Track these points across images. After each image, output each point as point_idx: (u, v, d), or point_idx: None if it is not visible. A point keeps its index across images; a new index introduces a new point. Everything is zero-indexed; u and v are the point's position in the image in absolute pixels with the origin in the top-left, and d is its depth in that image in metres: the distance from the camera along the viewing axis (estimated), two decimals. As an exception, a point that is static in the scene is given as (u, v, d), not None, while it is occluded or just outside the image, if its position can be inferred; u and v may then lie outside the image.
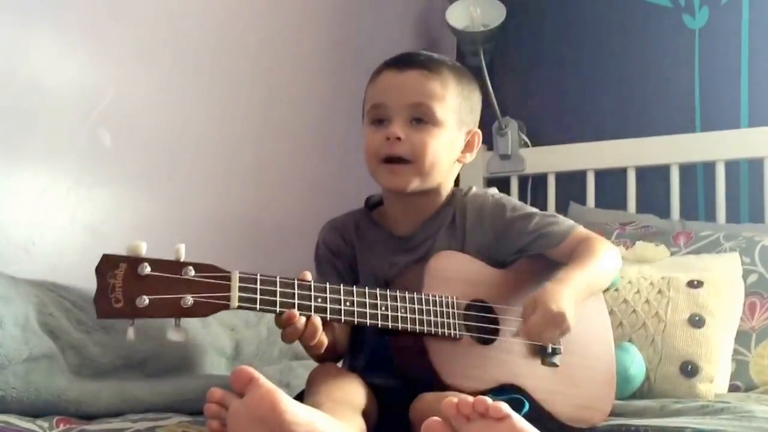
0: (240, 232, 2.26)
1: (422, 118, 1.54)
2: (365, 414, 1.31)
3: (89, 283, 1.55)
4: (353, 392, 1.34)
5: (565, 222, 1.61)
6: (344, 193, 2.50)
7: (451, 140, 1.59)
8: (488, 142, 2.96)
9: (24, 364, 1.38)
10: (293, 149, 2.54)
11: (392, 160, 1.53)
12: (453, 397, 1.09)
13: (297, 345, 1.97)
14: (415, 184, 1.55)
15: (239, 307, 1.20)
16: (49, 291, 1.55)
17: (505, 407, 1.05)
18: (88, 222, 1.83)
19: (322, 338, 1.33)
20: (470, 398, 1.06)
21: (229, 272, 1.20)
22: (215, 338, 1.81)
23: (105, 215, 1.87)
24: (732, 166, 2.79)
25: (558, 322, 1.37)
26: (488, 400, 1.05)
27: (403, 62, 1.58)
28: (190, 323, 1.73)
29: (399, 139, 1.52)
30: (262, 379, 1.08)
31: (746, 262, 2.31)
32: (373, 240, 1.63)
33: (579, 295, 1.44)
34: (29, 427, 1.27)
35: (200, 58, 2.18)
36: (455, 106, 1.58)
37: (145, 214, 1.97)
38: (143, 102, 1.99)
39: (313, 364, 1.53)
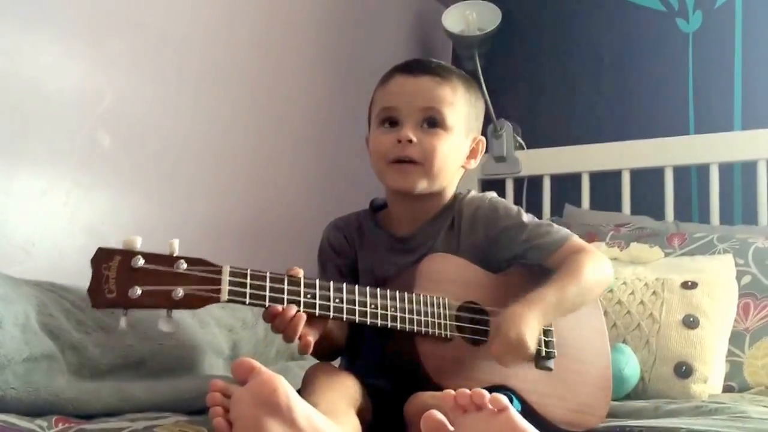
0: (237, 234, 2.27)
1: (433, 123, 1.56)
2: (360, 413, 1.32)
3: (89, 284, 1.57)
4: (348, 392, 1.35)
5: (559, 231, 1.61)
6: (342, 195, 2.52)
7: (459, 146, 1.61)
8: (483, 145, 2.98)
9: (23, 364, 1.38)
10: (290, 152, 2.55)
11: (401, 161, 1.55)
12: (450, 390, 1.10)
13: (294, 345, 2.01)
14: (422, 186, 1.57)
15: (229, 301, 1.22)
16: (48, 291, 1.56)
17: (504, 399, 1.06)
18: (87, 223, 1.84)
19: (307, 340, 1.32)
20: (467, 390, 1.07)
21: (220, 266, 1.22)
22: (213, 339, 1.82)
23: (104, 217, 1.88)
24: (725, 168, 2.82)
25: (516, 349, 1.38)
26: (486, 392, 1.06)
27: (415, 67, 1.60)
28: (189, 324, 1.75)
29: (411, 141, 1.54)
30: (264, 368, 1.10)
31: (740, 264, 2.33)
32: (374, 240, 1.65)
33: (548, 315, 1.45)
34: (28, 426, 1.27)
35: (198, 62, 2.19)
36: (464, 113, 1.60)
37: (143, 216, 1.98)
38: (142, 105, 2.00)
39: (308, 364, 1.53)
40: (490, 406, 1.05)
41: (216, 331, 1.85)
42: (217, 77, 2.25)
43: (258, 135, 2.41)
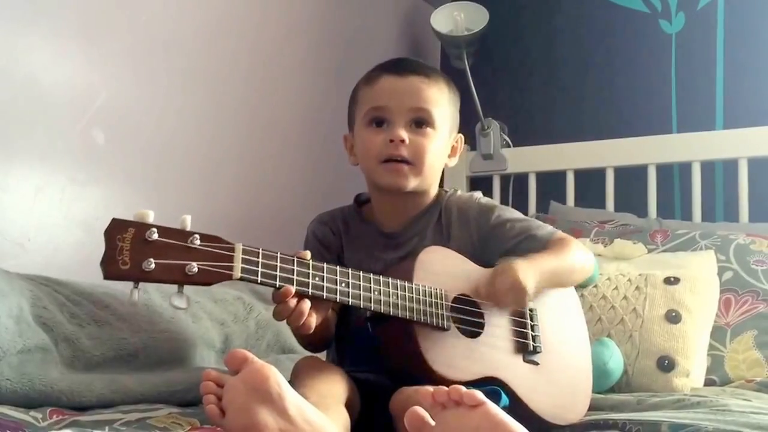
0: (231, 229, 2.22)
1: (421, 122, 1.59)
2: (348, 406, 1.33)
3: (83, 278, 1.59)
4: (337, 385, 1.36)
5: (546, 226, 1.66)
6: (330, 191, 2.53)
7: (444, 144, 1.65)
8: (471, 143, 3.00)
9: (18, 355, 1.38)
10: (281, 148, 2.57)
11: (394, 160, 1.57)
12: (429, 387, 1.11)
13: (286, 339, 2.02)
14: (413, 184, 1.60)
15: (241, 278, 1.20)
16: (43, 285, 1.56)
17: (479, 395, 1.06)
18: (81, 219, 1.85)
19: (310, 322, 1.33)
20: (445, 387, 1.08)
21: (233, 244, 1.21)
22: (205, 332, 1.82)
23: (98, 212, 1.88)
24: (707, 166, 2.84)
25: (519, 292, 1.43)
26: (462, 388, 1.07)
27: (402, 67, 1.62)
28: (182, 318, 1.76)
29: (403, 141, 1.56)
30: (256, 358, 1.12)
31: (721, 260, 2.35)
32: (361, 235, 1.66)
33: (543, 278, 1.50)
34: (23, 417, 1.27)
35: (190, 60, 2.20)
36: (448, 113, 1.64)
37: (138, 211, 1.98)
38: (135, 103, 2.02)
39: (299, 357, 1.55)
40: (466, 403, 1.06)
41: (208, 325, 1.85)
42: (209, 76, 2.26)
43: (248, 132, 2.43)
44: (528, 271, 1.46)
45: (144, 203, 1.99)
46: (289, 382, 1.35)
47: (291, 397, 1.10)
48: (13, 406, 1.33)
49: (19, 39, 1.74)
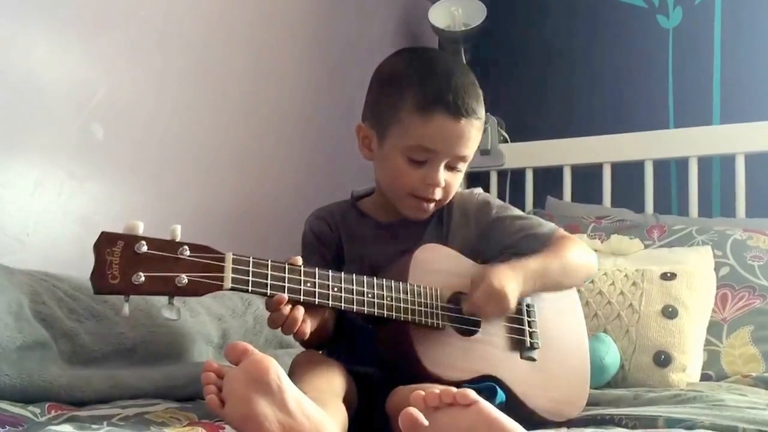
0: (228, 223, 2.28)
1: (460, 165, 1.57)
2: (346, 400, 1.34)
3: (82, 273, 1.58)
4: (335, 380, 1.36)
5: (547, 224, 1.66)
6: (330, 185, 2.54)
7: None
8: (468, 138, 3.00)
9: (17, 351, 1.38)
10: (280, 142, 2.57)
11: (424, 198, 1.57)
12: (420, 390, 1.11)
13: (284, 335, 2.03)
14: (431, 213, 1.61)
15: (232, 288, 1.21)
16: (42, 280, 1.56)
17: (471, 394, 1.07)
18: (80, 214, 1.85)
19: (304, 329, 1.34)
20: (437, 390, 1.09)
21: (223, 254, 1.21)
22: (203, 327, 1.83)
23: (97, 207, 1.89)
24: (704, 162, 2.85)
25: (498, 299, 1.42)
26: (454, 389, 1.08)
27: (458, 110, 1.51)
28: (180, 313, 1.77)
29: (439, 186, 1.55)
30: (257, 350, 1.13)
31: (718, 255, 2.36)
32: (360, 229, 1.66)
33: (528, 281, 1.48)
34: (21, 413, 1.27)
35: (189, 55, 2.20)
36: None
37: (136, 206, 1.99)
38: (134, 97, 2.02)
39: (297, 353, 1.56)
40: (459, 402, 1.07)
41: (206, 320, 1.85)
42: (207, 70, 2.27)
43: (247, 126, 2.43)
44: (506, 275, 1.44)
45: (142, 198, 2.02)
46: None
47: (290, 390, 1.11)
48: (11, 401, 1.33)
49: (18, 34, 1.73)
